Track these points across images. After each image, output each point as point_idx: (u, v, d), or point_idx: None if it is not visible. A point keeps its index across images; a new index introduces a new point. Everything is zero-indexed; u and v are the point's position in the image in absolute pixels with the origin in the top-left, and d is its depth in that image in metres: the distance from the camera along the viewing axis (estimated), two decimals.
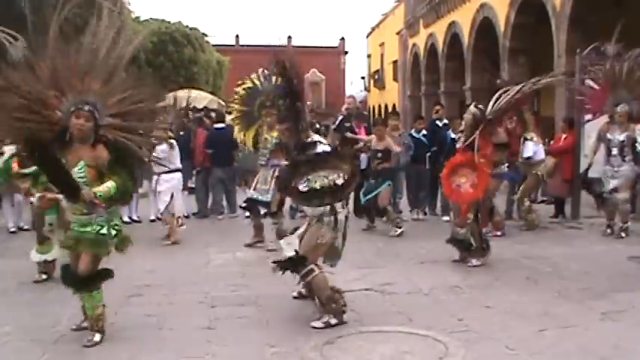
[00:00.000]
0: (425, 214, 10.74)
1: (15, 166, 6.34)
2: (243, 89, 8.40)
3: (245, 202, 8.38)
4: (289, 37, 49.67)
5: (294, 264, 5.04)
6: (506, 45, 16.65)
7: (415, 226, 9.72)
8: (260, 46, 47.33)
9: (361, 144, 9.71)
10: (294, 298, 5.62)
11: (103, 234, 4.57)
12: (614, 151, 8.46)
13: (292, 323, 5.01)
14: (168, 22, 29.65)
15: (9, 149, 6.47)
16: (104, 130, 4.50)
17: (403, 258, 7.46)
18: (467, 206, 6.99)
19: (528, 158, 9.34)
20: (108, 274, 4.73)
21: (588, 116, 9.51)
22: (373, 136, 9.38)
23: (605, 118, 8.87)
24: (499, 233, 8.63)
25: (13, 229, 9.38)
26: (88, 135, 4.44)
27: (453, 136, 9.66)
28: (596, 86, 9.13)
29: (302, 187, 4.93)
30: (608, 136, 8.53)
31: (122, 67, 4.65)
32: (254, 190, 8.04)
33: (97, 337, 4.61)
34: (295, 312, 5.33)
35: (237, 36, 46.92)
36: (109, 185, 4.40)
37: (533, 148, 9.36)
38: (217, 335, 4.71)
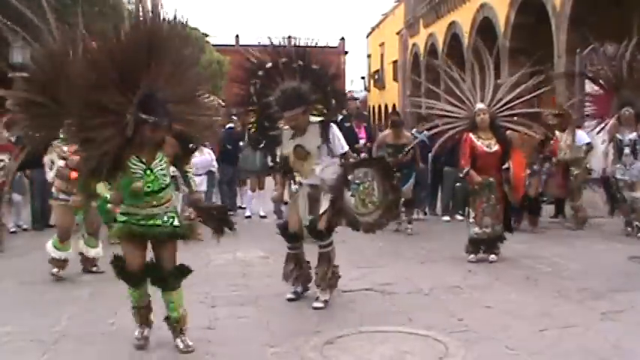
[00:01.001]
0: (425, 214, 10.75)
1: (74, 174, 6.25)
2: None
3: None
4: (289, 37, 49.82)
5: (320, 233, 5.45)
6: (506, 45, 16.67)
7: (415, 226, 9.71)
8: (260, 46, 47.37)
9: (362, 143, 9.72)
10: (290, 300, 5.61)
11: (177, 226, 4.38)
12: (627, 150, 8.42)
13: (292, 323, 5.01)
14: None
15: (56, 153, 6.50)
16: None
17: (403, 258, 7.47)
18: (505, 205, 7.29)
19: (589, 144, 9.35)
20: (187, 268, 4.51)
21: (591, 123, 9.44)
22: (389, 131, 9.39)
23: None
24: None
25: (13, 229, 9.38)
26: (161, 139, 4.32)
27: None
28: (598, 90, 9.12)
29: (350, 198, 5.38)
30: (619, 136, 8.50)
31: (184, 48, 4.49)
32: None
33: (189, 340, 4.41)
34: (295, 312, 5.33)
35: (237, 36, 46.89)
36: (192, 176, 4.56)
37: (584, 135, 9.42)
38: (217, 335, 4.71)
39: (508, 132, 7.48)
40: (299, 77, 5.46)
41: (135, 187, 4.22)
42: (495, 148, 7.10)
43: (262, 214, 10.87)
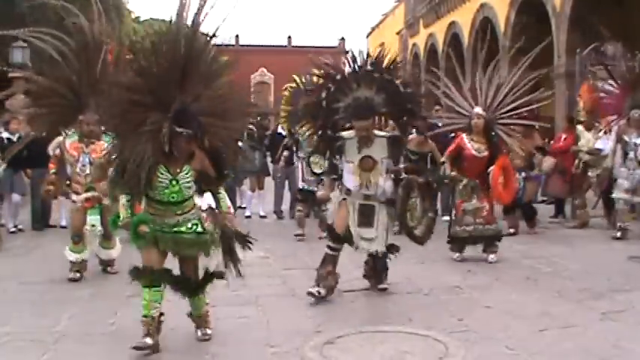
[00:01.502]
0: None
1: (52, 166, 6.57)
2: (288, 90, 9.02)
3: (299, 192, 8.89)
4: (289, 37, 49.77)
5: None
6: (507, 45, 16.67)
7: None
8: (260, 46, 47.44)
9: None
10: (313, 296, 5.49)
11: (201, 232, 4.51)
12: (631, 154, 8.36)
13: (292, 323, 5.00)
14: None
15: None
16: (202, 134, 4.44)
17: (403, 258, 7.43)
18: (492, 206, 7.31)
19: (600, 150, 9.33)
20: (218, 275, 4.66)
21: (611, 117, 9.35)
22: (414, 136, 9.37)
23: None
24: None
25: (12, 229, 9.37)
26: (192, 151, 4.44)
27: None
28: (615, 87, 9.05)
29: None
30: (625, 138, 8.44)
31: (218, 65, 4.64)
32: (303, 181, 8.71)
33: (209, 330, 4.65)
34: (295, 312, 5.33)
35: (237, 36, 46.88)
36: (224, 196, 4.66)
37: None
38: (217, 335, 4.71)
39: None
40: (375, 87, 5.51)
41: (140, 230, 4.36)
42: (485, 153, 7.12)
43: (262, 214, 10.87)
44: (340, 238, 5.64)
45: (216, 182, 4.63)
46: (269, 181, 11.12)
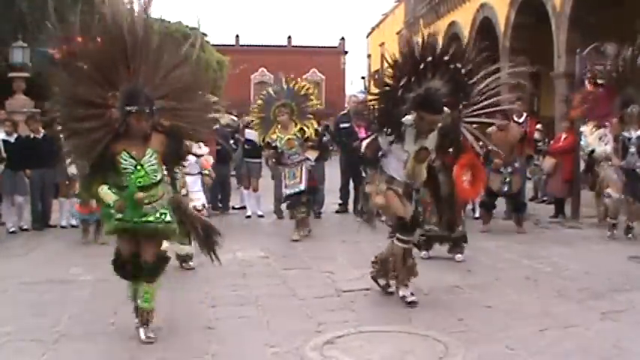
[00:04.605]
0: None
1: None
2: (260, 99, 9.13)
3: (286, 199, 8.83)
4: (289, 37, 49.77)
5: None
6: (506, 45, 16.66)
7: None
8: (260, 46, 47.47)
9: (358, 142, 9.73)
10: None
11: (169, 221, 4.60)
12: (632, 149, 8.31)
13: (292, 323, 5.00)
14: (168, 22, 29.62)
15: None
16: (158, 116, 4.53)
17: None
18: (462, 205, 7.15)
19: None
20: (167, 258, 4.81)
21: (590, 124, 9.29)
22: None
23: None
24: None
25: (12, 229, 9.36)
26: (148, 130, 4.51)
27: None
28: (600, 89, 9.02)
29: None
30: (625, 134, 8.37)
31: (167, 45, 4.72)
32: (286, 187, 8.68)
33: (152, 334, 4.59)
34: (295, 312, 5.33)
35: (237, 36, 46.89)
36: (179, 178, 4.95)
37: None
38: (217, 335, 4.71)
39: (489, 129, 7.49)
40: (447, 78, 5.22)
41: (137, 197, 4.44)
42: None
43: (260, 213, 10.87)
44: (410, 226, 5.33)
45: (173, 163, 4.77)
46: (269, 181, 11.11)
